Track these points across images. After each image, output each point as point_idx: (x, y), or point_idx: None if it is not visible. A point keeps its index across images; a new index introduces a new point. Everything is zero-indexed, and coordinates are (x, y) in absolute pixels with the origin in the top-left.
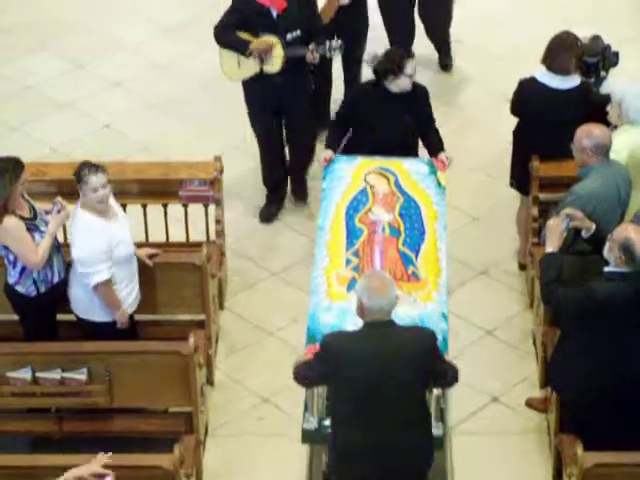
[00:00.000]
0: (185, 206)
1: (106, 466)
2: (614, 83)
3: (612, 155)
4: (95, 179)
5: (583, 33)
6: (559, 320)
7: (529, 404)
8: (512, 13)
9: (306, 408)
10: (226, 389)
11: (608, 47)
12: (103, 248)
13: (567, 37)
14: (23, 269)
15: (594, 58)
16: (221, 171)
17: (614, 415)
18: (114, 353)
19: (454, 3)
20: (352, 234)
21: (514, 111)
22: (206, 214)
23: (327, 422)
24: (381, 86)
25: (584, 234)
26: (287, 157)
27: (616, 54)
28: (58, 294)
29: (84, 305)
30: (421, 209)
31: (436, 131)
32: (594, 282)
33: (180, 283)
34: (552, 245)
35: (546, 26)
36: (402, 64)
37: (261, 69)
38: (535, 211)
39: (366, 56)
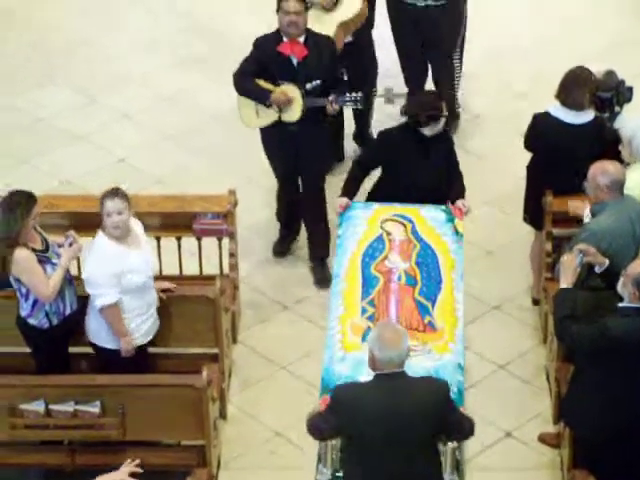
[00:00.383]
0: (199, 239)
1: (133, 475)
2: (628, 119)
3: (626, 191)
4: (111, 204)
5: (597, 68)
6: (573, 356)
7: (542, 439)
8: (525, 47)
9: (319, 460)
10: (239, 423)
11: (622, 82)
12: (112, 272)
13: (581, 72)
14: (35, 302)
15: (608, 93)
16: (235, 204)
17: (628, 453)
18: (127, 386)
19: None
20: (368, 282)
21: (528, 146)
22: (220, 247)
23: (341, 474)
24: (411, 131)
25: (597, 269)
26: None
27: (630, 89)
28: (70, 326)
29: (94, 329)
30: (438, 257)
31: (460, 176)
32: (608, 319)
33: (193, 316)
34: (566, 281)
35: (559, 61)
36: (442, 108)
37: (279, 117)
38: (549, 246)
39: (382, 91)
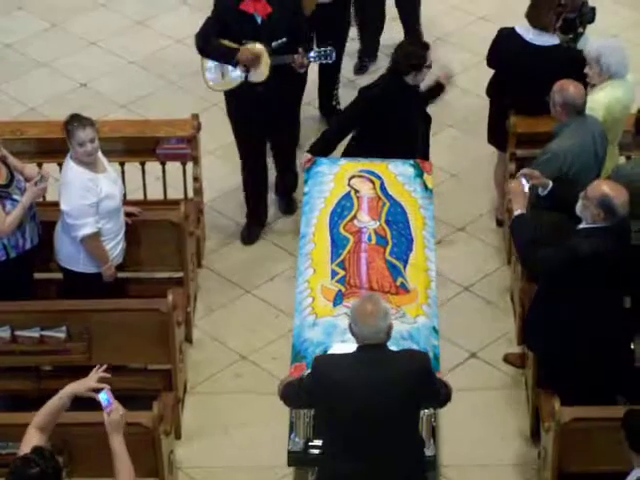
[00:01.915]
0: (163, 164)
1: (102, 380)
2: (591, 40)
3: (589, 112)
4: (82, 134)
5: None
6: (537, 278)
7: (507, 360)
8: None
9: (292, 430)
10: (204, 347)
11: (585, 2)
12: (91, 201)
13: None
14: None
15: (572, 14)
16: (198, 129)
17: (590, 374)
18: (93, 311)
19: None
20: (337, 243)
21: (489, 61)
22: (184, 172)
23: (313, 443)
24: (395, 80)
25: (540, 192)
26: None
27: (593, 9)
28: (30, 261)
29: (69, 254)
30: (408, 215)
31: None
32: (574, 240)
33: (158, 241)
34: (519, 206)
35: None
36: (426, 57)
37: (246, 78)
38: (512, 167)
39: None
